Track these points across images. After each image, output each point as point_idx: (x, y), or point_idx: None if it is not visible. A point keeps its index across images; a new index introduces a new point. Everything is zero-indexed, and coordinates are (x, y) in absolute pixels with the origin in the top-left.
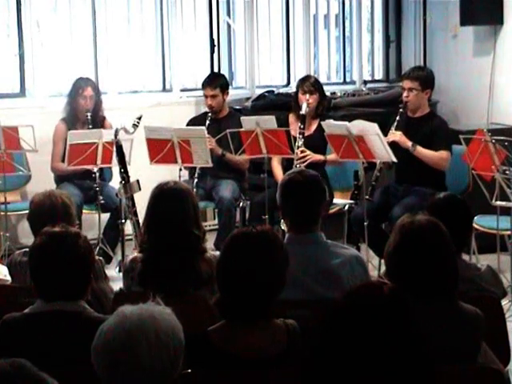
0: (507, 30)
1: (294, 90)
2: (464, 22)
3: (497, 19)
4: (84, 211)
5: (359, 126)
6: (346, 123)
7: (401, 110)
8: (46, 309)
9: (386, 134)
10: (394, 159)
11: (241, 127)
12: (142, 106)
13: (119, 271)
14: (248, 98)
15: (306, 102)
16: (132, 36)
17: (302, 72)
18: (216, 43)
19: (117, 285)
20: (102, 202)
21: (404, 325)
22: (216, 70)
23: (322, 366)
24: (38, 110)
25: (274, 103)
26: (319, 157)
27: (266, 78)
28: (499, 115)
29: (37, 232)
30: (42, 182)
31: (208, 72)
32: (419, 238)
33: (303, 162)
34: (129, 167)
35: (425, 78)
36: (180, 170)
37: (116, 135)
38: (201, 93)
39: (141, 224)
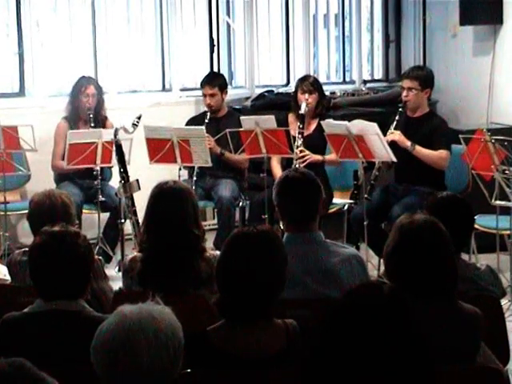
0: (507, 30)
1: (293, 89)
2: (464, 21)
3: (496, 19)
4: (84, 211)
5: (359, 126)
6: (346, 123)
7: (400, 109)
8: (46, 308)
9: (385, 133)
10: (394, 159)
11: (240, 127)
12: (142, 105)
13: (119, 271)
14: (247, 98)
15: (306, 102)
16: (132, 36)
17: (302, 72)
18: (216, 43)
19: (116, 284)
20: (102, 200)
21: (404, 325)
22: (216, 69)
23: (322, 366)
24: (37, 110)
25: (274, 103)
26: (318, 157)
27: (265, 77)
28: (499, 115)
29: (36, 231)
30: (42, 181)
31: (208, 72)
32: (418, 238)
33: (302, 162)
34: (128, 167)
35: (424, 78)
36: (179, 169)
37: (115, 135)
38: (200, 92)
39: (140, 223)
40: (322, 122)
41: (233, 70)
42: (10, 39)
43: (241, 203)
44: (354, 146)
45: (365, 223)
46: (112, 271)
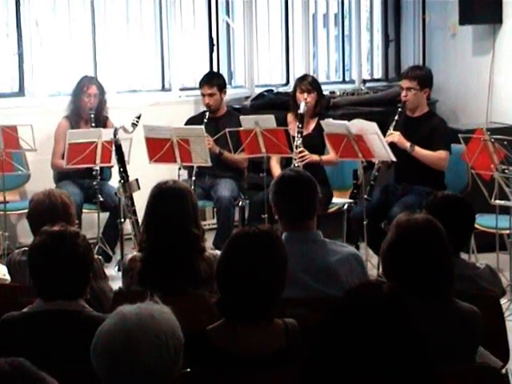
0: (506, 29)
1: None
2: (463, 21)
3: (496, 18)
4: (84, 210)
5: (358, 125)
6: (346, 122)
7: (400, 109)
8: (46, 308)
9: (385, 133)
10: (394, 158)
11: (239, 126)
12: (141, 105)
13: (118, 270)
14: (247, 97)
15: (304, 101)
16: (131, 35)
17: (301, 71)
18: (215, 42)
19: (116, 284)
20: (101, 200)
21: (403, 324)
22: (215, 69)
23: (322, 365)
24: (37, 110)
25: (274, 102)
26: (316, 157)
27: (265, 77)
28: (498, 114)
29: (36, 231)
30: (42, 181)
31: (207, 71)
32: (413, 236)
33: (301, 162)
34: (128, 166)
35: (423, 78)
36: (179, 169)
37: (115, 134)
38: (200, 92)
39: (140, 223)
40: (321, 122)
41: (232, 69)
42: (10, 39)
43: (240, 203)
44: (354, 146)
45: (364, 223)
46: (112, 271)
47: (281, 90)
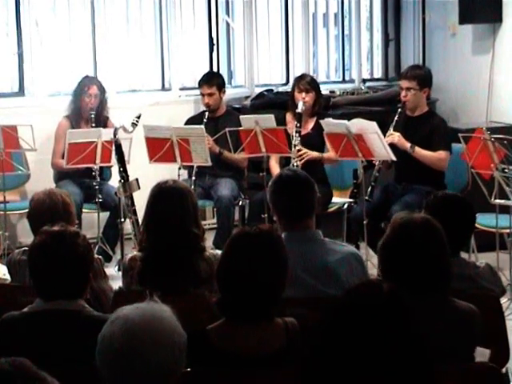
0: (506, 29)
1: None
2: (463, 20)
3: (496, 17)
4: (84, 210)
5: (358, 125)
6: (346, 122)
7: (399, 109)
8: (46, 308)
9: (385, 133)
10: (394, 158)
11: (238, 126)
12: (141, 104)
13: (118, 270)
14: (247, 97)
15: (302, 101)
16: (131, 35)
17: (301, 71)
18: (215, 42)
19: (116, 283)
20: (101, 200)
21: (403, 324)
22: (215, 68)
23: (322, 365)
24: (37, 109)
25: (273, 102)
26: (316, 154)
27: (265, 76)
28: (498, 113)
29: (36, 231)
30: (42, 181)
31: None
32: (410, 235)
33: (300, 160)
34: (128, 166)
35: (422, 77)
36: (179, 168)
37: (115, 134)
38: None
39: (140, 223)
40: (321, 121)
41: (232, 69)
42: (10, 39)
43: (240, 202)
44: (354, 145)
45: (364, 222)
46: (112, 270)
47: (281, 89)
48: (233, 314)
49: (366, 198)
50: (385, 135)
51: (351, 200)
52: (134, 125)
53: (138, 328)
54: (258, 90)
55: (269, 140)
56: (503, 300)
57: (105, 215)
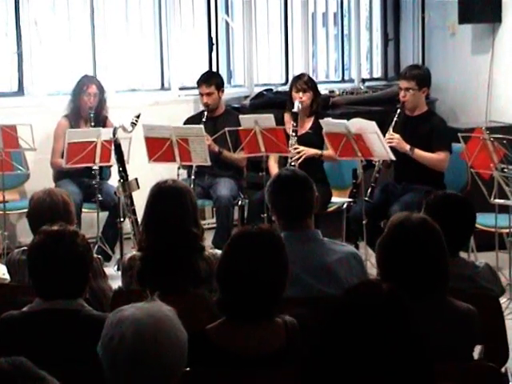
0: (505, 28)
1: None
2: (462, 19)
3: (495, 17)
4: (83, 210)
5: (358, 125)
6: (345, 121)
7: (399, 110)
8: (45, 307)
9: (384, 133)
10: (393, 157)
11: (237, 125)
12: (141, 104)
13: (118, 269)
14: (246, 97)
15: (299, 100)
16: (130, 34)
17: (301, 70)
18: (214, 42)
19: (115, 283)
20: (100, 199)
21: (403, 323)
22: (214, 68)
23: (322, 365)
24: (36, 109)
25: (273, 101)
26: (314, 151)
27: (264, 76)
28: (498, 113)
29: (36, 230)
30: (41, 180)
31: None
32: (406, 235)
33: (298, 159)
34: (127, 166)
35: (421, 77)
36: (178, 168)
37: (114, 134)
38: None
39: (139, 222)
40: (320, 121)
41: (232, 68)
42: (9, 38)
43: (240, 202)
44: (353, 145)
45: (364, 222)
46: (111, 270)
47: (280, 89)
48: (233, 313)
49: (366, 198)
50: (384, 135)
51: (350, 200)
52: (134, 124)
53: (148, 328)
54: (257, 90)
55: (268, 140)
56: (502, 300)
57: (104, 215)
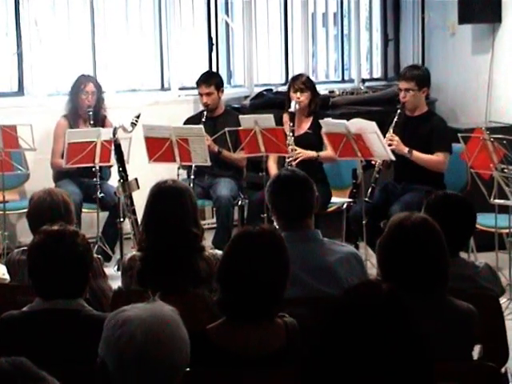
0: (505, 28)
1: None
2: (462, 20)
3: (495, 17)
4: (83, 210)
5: (358, 125)
6: (345, 122)
7: (399, 110)
8: (45, 307)
9: (384, 133)
10: (393, 157)
11: (237, 125)
12: (141, 104)
13: (118, 270)
14: (246, 97)
15: (297, 101)
16: (130, 34)
17: (301, 70)
18: (214, 42)
19: (115, 283)
20: (101, 195)
21: (403, 323)
22: (214, 68)
23: (322, 365)
24: (36, 109)
25: (273, 102)
26: (311, 153)
27: (264, 76)
28: (497, 113)
29: (36, 230)
30: (41, 180)
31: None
32: (406, 235)
33: (295, 160)
34: (127, 166)
35: (421, 77)
36: (178, 168)
37: (114, 134)
38: None
39: (139, 222)
40: (320, 121)
41: (231, 68)
42: (9, 38)
43: (240, 202)
44: (353, 145)
45: (363, 222)
46: (111, 270)
47: (280, 89)
48: (233, 313)
49: (366, 199)
50: (384, 135)
51: (350, 200)
52: (134, 124)
53: (156, 327)
54: (257, 90)
55: (268, 140)
56: (502, 300)
57: (104, 215)
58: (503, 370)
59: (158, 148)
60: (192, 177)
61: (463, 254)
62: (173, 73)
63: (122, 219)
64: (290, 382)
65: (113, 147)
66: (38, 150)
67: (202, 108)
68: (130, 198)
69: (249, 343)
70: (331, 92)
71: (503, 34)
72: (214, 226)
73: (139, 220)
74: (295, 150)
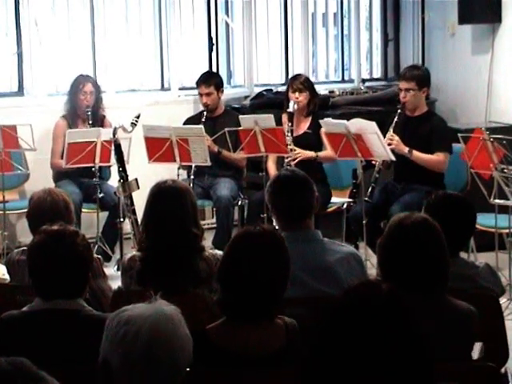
0: (505, 28)
1: None
2: (462, 20)
3: (495, 17)
4: (83, 210)
5: (358, 125)
6: (345, 122)
7: (399, 110)
8: (45, 307)
9: (384, 133)
10: (393, 158)
11: (237, 125)
12: (141, 104)
13: (118, 270)
14: (246, 97)
15: (295, 100)
16: (130, 35)
17: (301, 70)
18: (214, 42)
19: (115, 283)
20: (101, 196)
21: (403, 324)
22: (214, 68)
23: (321, 365)
24: (36, 109)
25: (273, 102)
26: (310, 153)
27: (264, 76)
28: (497, 113)
29: (36, 229)
30: (41, 180)
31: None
32: (406, 234)
33: (293, 160)
34: (127, 166)
35: (421, 77)
36: (178, 168)
37: (114, 134)
38: None
39: (139, 222)
40: (320, 121)
41: (231, 69)
42: (9, 38)
43: (240, 202)
44: (353, 145)
45: (363, 222)
46: (111, 270)
47: (280, 89)
48: (233, 313)
49: (366, 199)
50: (384, 135)
51: (350, 200)
52: (134, 124)
53: (161, 325)
54: (257, 90)
55: (268, 140)
56: (502, 300)
57: (104, 215)
58: (503, 370)
59: (158, 148)
60: (192, 177)
61: (463, 254)
62: (173, 73)
63: (121, 219)
64: (290, 382)
65: (113, 147)
66: (37, 150)
67: (201, 108)
68: (130, 198)
69: (249, 343)
70: (331, 92)
71: (503, 34)
72: (214, 226)
73: (139, 220)
74: (294, 150)
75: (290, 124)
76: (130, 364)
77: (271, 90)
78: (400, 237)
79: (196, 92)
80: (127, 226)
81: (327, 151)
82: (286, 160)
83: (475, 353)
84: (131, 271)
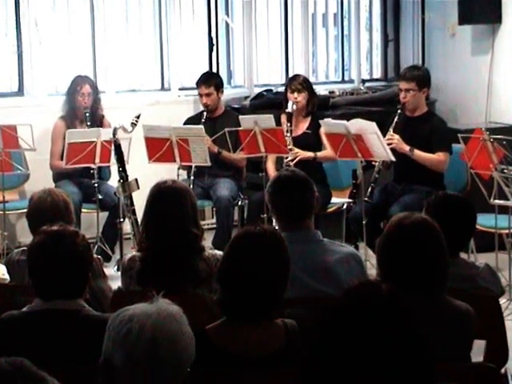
0: (505, 29)
1: None
2: (462, 20)
3: (495, 18)
4: (83, 210)
5: (357, 125)
6: (345, 122)
7: (399, 111)
8: (45, 307)
9: (384, 134)
10: (393, 158)
11: (237, 126)
12: (141, 104)
13: (118, 270)
14: (246, 97)
15: (294, 101)
16: (130, 35)
17: (301, 71)
18: (214, 42)
19: (115, 283)
20: (100, 197)
21: (403, 324)
22: (214, 69)
23: (321, 365)
24: (36, 109)
25: (273, 102)
26: (309, 153)
27: (264, 76)
28: (497, 114)
29: (36, 229)
30: (41, 180)
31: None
32: (406, 235)
33: (292, 160)
34: (127, 166)
35: (421, 78)
36: (178, 168)
37: (114, 134)
38: None
39: (139, 223)
40: (320, 121)
41: (232, 69)
42: (9, 38)
43: (239, 202)
44: (353, 146)
45: (363, 222)
46: (111, 270)
47: (280, 89)
48: (233, 313)
49: (366, 199)
50: (384, 136)
51: (350, 200)
52: (134, 125)
53: (164, 322)
54: (257, 90)
55: (268, 140)
56: (502, 300)
57: (104, 215)
58: (503, 370)
59: (158, 148)
60: (192, 177)
61: (463, 255)
62: (173, 73)
63: (121, 219)
64: (290, 383)
65: (113, 147)
66: (37, 150)
67: (201, 108)
68: (130, 198)
69: (248, 343)
70: (331, 92)
71: (503, 35)
72: (214, 226)
73: (139, 220)
74: (293, 150)
75: (288, 124)
76: (132, 362)
77: (271, 90)
78: (399, 237)
79: (196, 92)
80: (127, 226)
81: (326, 151)
82: (285, 160)
83: (477, 350)
84: (131, 271)
